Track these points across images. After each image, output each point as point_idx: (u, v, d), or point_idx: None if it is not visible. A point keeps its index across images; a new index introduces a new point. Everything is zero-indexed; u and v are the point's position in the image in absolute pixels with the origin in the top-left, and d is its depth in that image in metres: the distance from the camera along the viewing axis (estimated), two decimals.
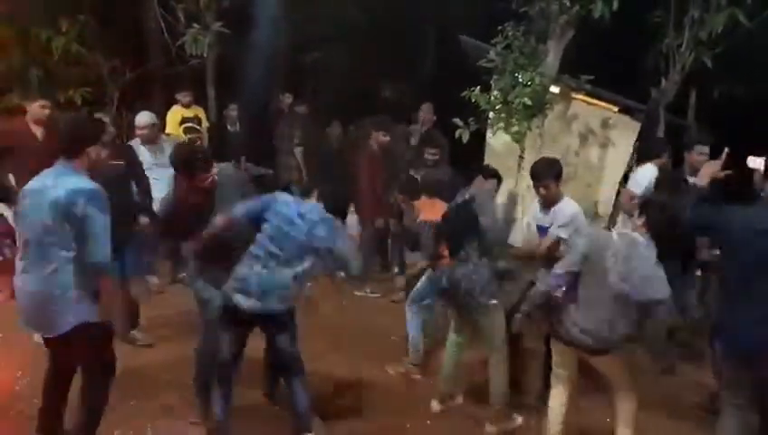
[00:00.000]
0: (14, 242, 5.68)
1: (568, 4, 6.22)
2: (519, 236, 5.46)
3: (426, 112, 6.99)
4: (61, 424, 3.47)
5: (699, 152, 4.85)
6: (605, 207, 6.95)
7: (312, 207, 3.64)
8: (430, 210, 4.24)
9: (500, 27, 6.49)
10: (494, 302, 3.91)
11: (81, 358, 3.28)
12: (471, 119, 6.54)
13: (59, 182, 3.07)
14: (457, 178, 5.70)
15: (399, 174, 5.87)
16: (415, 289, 4.82)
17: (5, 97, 7.15)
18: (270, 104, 8.45)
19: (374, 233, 6.53)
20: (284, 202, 3.61)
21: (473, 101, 6.52)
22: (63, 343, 3.16)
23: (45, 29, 7.53)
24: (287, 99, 8.12)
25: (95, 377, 3.31)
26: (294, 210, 3.56)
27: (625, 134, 6.94)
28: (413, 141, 6.96)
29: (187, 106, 7.31)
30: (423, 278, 4.73)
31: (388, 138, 6.38)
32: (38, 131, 5.33)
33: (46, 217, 3.04)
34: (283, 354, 3.65)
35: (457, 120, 6.56)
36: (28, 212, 3.13)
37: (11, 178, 5.36)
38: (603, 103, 7.23)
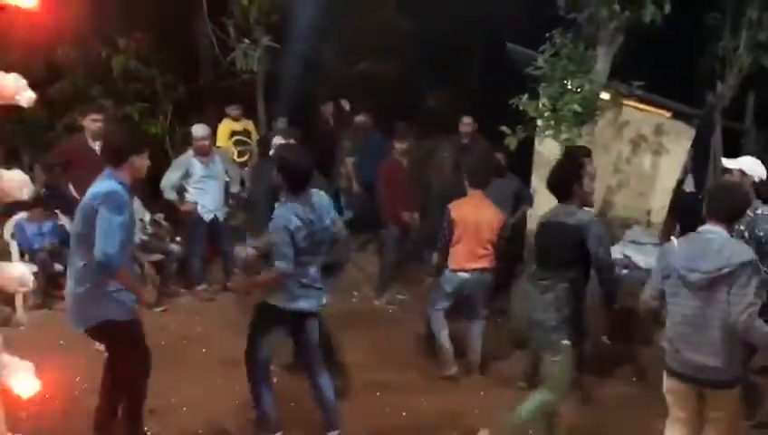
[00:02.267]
0: None
1: (618, 9, 6.10)
2: None
3: (464, 125, 6.97)
4: (113, 423, 3.59)
5: None
6: (658, 216, 6.76)
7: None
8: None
9: (548, 34, 6.41)
10: (566, 343, 3.45)
11: (110, 354, 3.45)
12: (519, 127, 6.47)
13: (91, 189, 3.29)
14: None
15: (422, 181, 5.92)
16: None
17: (67, 115, 7.47)
18: (318, 116, 8.55)
19: (398, 238, 6.47)
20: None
21: (521, 108, 6.45)
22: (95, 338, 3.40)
23: (105, 48, 7.84)
24: (329, 108, 8.20)
25: (121, 373, 3.45)
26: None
27: (678, 140, 6.75)
28: (446, 154, 6.98)
29: (236, 119, 7.49)
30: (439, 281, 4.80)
31: (405, 145, 6.36)
32: (95, 144, 5.55)
33: (76, 221, 3.29)
34: (316, 349, 3.72)
35: (505, 128, 6.50)
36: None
37: (72, 189, 5.60)
38: (656, 109, 7.06)
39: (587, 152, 4.34)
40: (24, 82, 2.23)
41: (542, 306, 3.46)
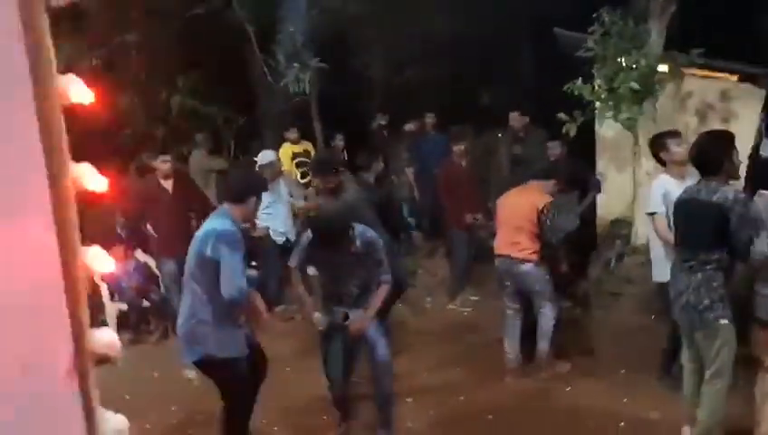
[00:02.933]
0: (159, 287, 6.24)
1: None
2: None
3: (514, 120, 6.91)
4: None
5: None
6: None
7: None
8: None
9: (595, 14, 6.26)
10: (725, 322, 3.25)
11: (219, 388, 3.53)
12: (576, 112, 6.34)
13: (205, 225, 3.44)
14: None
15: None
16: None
17: (135, 158, 7.85)
18: (372, 127, 8.65)
19: (465, 240, 6.45)
20: None
21: (576, 93, 6.31)
22: (201, 369, 3.52)
23: (164, 88, 8.21)
24: (380, 120, 8.28)
25: (225, 407, 3.53)
26: None
27: (749, 104, 6.41)
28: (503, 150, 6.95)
29: (295, 142, 7.66)
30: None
31: (462, 146, 6.37)
32: (167, 184, 5.82)
33: (191, 258, 3.39)
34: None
35: (562, 115, 6.37)
36: None
37: (150, 228, 5.89)
38: (721, 74, 6.74)
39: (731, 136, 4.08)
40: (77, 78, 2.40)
41: (692, 287, 3.28)
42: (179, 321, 3.48)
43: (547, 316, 4.65)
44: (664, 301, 3.87)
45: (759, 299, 3.33)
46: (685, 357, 3.53)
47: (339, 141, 7.71)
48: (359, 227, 3.60)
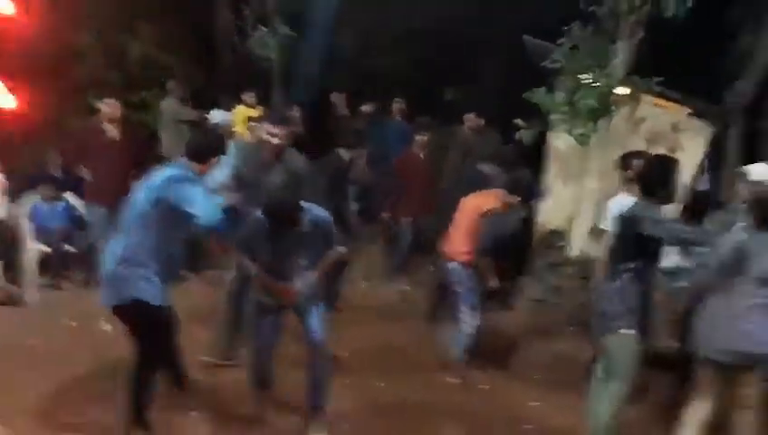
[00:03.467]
0: (86, 234, 6.02)
1: (638, 3, 6.00)
2: None
3: (469, 121, 6.97)
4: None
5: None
6: (670, 214, 6.66)
7: None
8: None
9: (566, 27, 6.33)
10: (630, 332, 3.38)
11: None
12: (533, 120, 6.41)
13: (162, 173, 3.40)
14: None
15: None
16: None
17: (84, 98, 7.55)
18: (331, 107, 8.55)
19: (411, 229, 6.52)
20: None
21: (535, 102, 6.39)
22: (120, 314, 3.44)
23: (123, 33, 7.89)
24: (342, 99, 8.20)
25: (140, 357, 3.45)
26: None
27: (695, 139, 6.63)
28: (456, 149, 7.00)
29: (251, 106, 7.51)
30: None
31: (425, 137, 6.49)
32: (111, 129, 5.61)
33: (141, 204, 3.33)
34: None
35: (519, 122, 6.44)
36: None
37: (85, 171, 5.67)
38: (674, 106, 6.94)
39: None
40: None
41: (607, 296, 3.46)
42: (107, 264, 3.38)
43: (464, 322, 4.60)
44: None
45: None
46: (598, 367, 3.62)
47: (294, 113, 7.58)
48: (308, 205, 3.53)
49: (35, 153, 7.18)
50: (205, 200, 3.29)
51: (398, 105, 7.95)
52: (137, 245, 3.32)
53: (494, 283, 4.67)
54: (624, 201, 4.01)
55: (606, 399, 3.43)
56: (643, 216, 3.33)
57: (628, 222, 3.42)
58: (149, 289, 3.32)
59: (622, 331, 3.36)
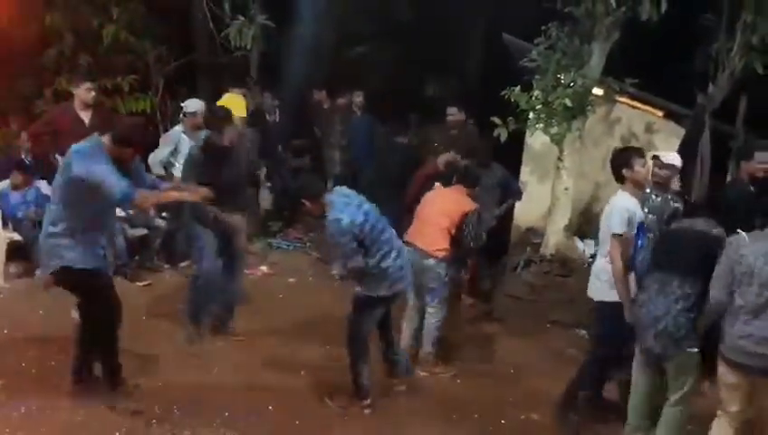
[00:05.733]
0: None
1: (614, 5, 6.10)
2: None
3: (450, 115, 6.96)
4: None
5: (759, 161, 4.69)
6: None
7: None
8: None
9: (544, 27, 6.41)
10: (695, 351, 3.41)
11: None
12: (510, 118, 6.47)
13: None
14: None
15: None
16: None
17: (55, 81, 7.37)
18: (309, 98, 8.51)
19: None
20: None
21: (512, 100, 6.45)
22: (58, 283, 3.81)
23: (96, 16, 7.71)
24: (322, 93, 8.19)
25: (87, 323, 3.76)
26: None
27: (669, 140, 6.79)
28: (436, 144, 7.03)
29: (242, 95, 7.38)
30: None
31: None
32: (85, 115, 5.49)
33: (57, 177, 3.64)
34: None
35: (496, 119, 6.50)
36: None
37: (58, 158, 5.54)
38: (648, 107, 7.09)
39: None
40: None
41: (672, 314, 3.43)
42: (40, 238, 3.69)
43: (433, 318, 4.59)
44: (602, 318, 3.94)
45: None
46: (641, 381, 3.61)
47: (266, 99, 7.53)
48: None
49: (5, 138, 7.02)
50: (109, 172, 3.44)
51: (357, 99, 7.89)
52: (58, 217, 3.57)
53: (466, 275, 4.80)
54: (630, 204, 3.80)
55: (664, 423, 3.47)
56: (723, 237, 3.33)
57: (706, 241, 3.39)
58: (70, 255, 3.55)
59: (689, 350, 3.39)
